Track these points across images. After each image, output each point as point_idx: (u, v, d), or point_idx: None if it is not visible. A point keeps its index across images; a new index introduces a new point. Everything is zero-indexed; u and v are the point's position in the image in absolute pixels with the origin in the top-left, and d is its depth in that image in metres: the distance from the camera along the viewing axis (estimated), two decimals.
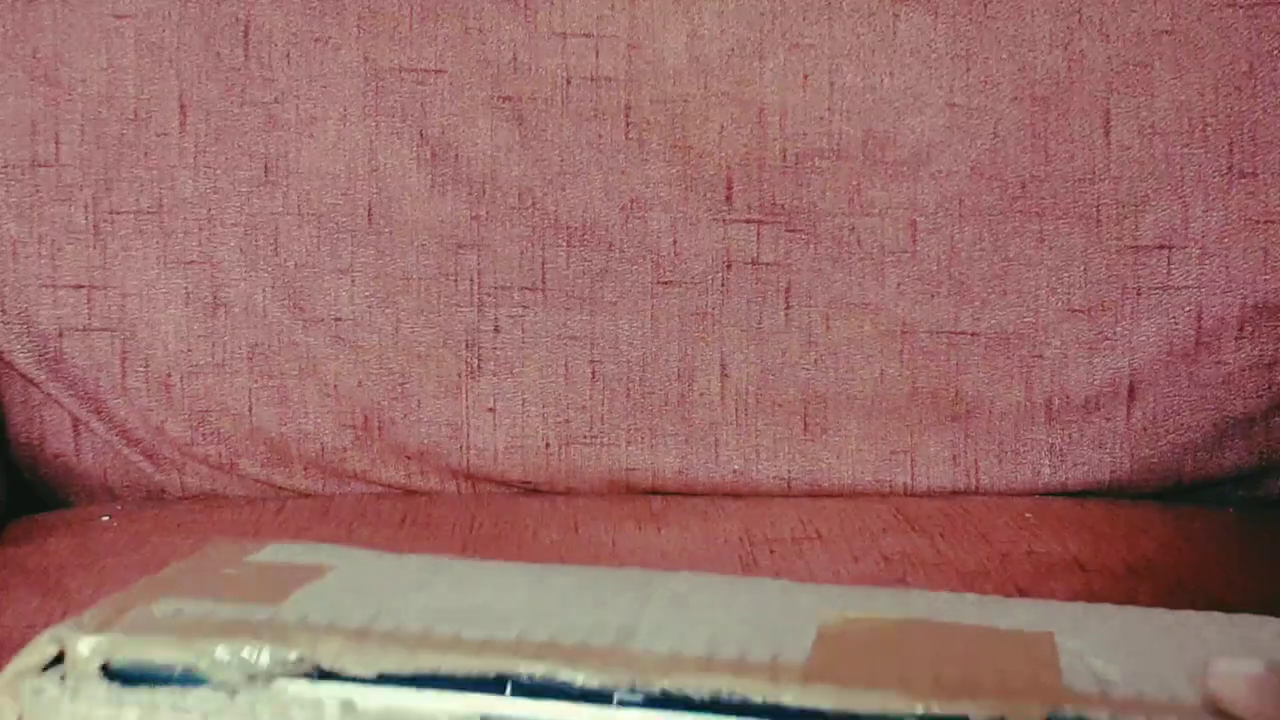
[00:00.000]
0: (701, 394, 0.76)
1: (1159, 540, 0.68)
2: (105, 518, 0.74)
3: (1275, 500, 0.77)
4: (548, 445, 0.76)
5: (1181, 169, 0.74)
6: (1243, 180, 0.74)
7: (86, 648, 0.42)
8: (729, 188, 0.75)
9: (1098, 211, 0.74)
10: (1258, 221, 0.74)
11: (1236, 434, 0.75)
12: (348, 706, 0.41)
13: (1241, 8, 0.73)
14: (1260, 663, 0.38)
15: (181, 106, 0.76)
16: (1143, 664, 0.41)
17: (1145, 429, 0.75)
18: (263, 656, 0.41)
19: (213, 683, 0.41)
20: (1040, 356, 0.75)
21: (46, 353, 0.76)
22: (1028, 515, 0.72)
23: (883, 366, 0.76)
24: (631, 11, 0.75)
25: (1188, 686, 0.40)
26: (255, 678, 0.41)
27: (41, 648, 0.42)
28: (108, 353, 0.77)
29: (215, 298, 0.76)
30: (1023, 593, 0.62)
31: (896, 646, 0.42)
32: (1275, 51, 0.73)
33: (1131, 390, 0.75)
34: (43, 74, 0.75)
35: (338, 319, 0.76)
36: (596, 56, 0.75)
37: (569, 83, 0.75)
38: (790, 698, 0.38)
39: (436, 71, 0.75)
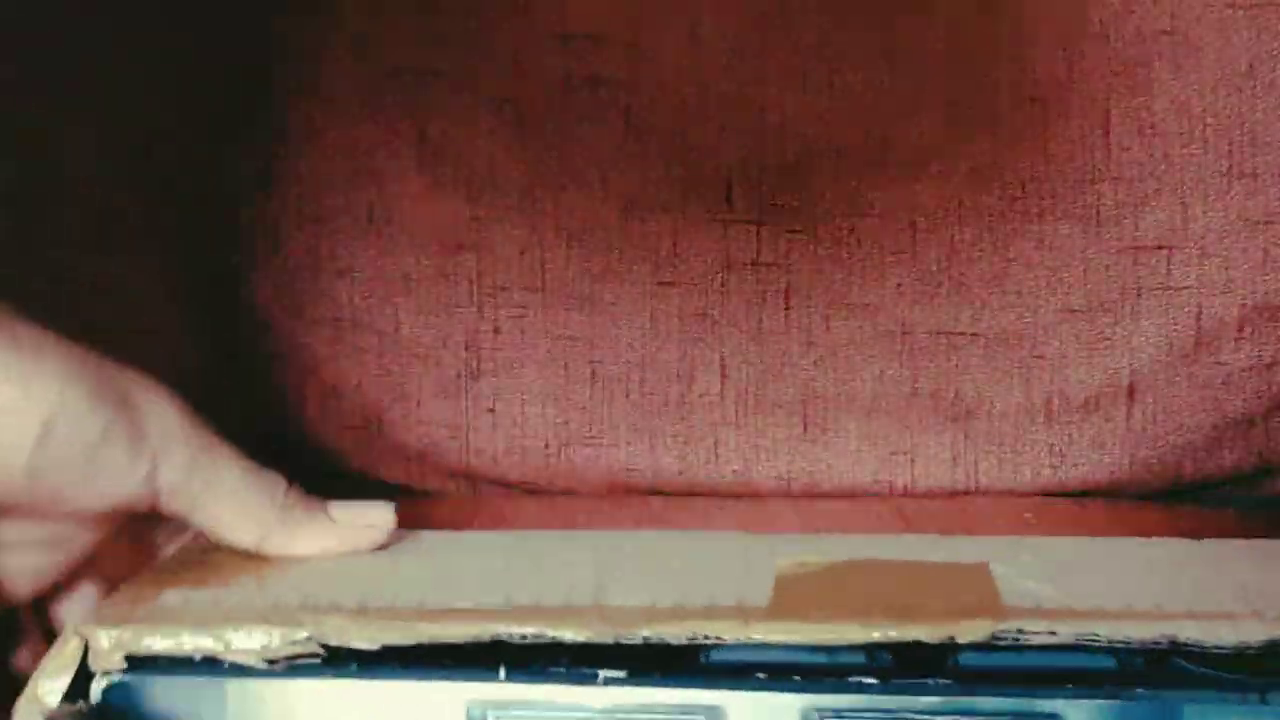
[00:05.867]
0: (701, 395, 0.76)
1: None
2: None
3: (1275, 501, 0.77)
4: (547, 446, 0.77)
5: (1181, 170, 0.74)
6: (1242, 181, 0.74)
7: (107, 640, 0.44)
8: (729, 188, 0.75)
9: (1097, 212, 0.74)
10: (1257, 222, 0.74)
11: (1236, 435, 0.75)
12: None
13: (1241, 9, 0.73)
14: None
15: (183, 108, 0.76)
16: (1071, 582, 0.46)
17: (1144, 429, 0.75)
18: (274, 638, 0.44)
19: (230, 666, 0.44)
20: (1040, 357, 0.75)
21: None
22: (1028, 516, 0.72)
23: (882, 367, 0.76)
24: (632, 12, 0.75)
25: (1119, 598, 0.44)
26: (273, 660, 0.44)
27: (66, 641, 0.45)
28: None
29: None
30: None
31: (847, 584, 0.47)
32: (1275, 52, 0.73)
33: (1131, 391, 0.75)
34: None
35: (337, 320, 0.76)
36: (597, 57, 0.75)
37: (569, 83, 0.75)
38: (759, 634, 0.42)
39: (437, 72, 0.75)
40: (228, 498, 0.51)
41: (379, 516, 0.53)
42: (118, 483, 0.48)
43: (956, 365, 0.76)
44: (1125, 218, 0.74)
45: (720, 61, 0.75)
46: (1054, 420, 0.76)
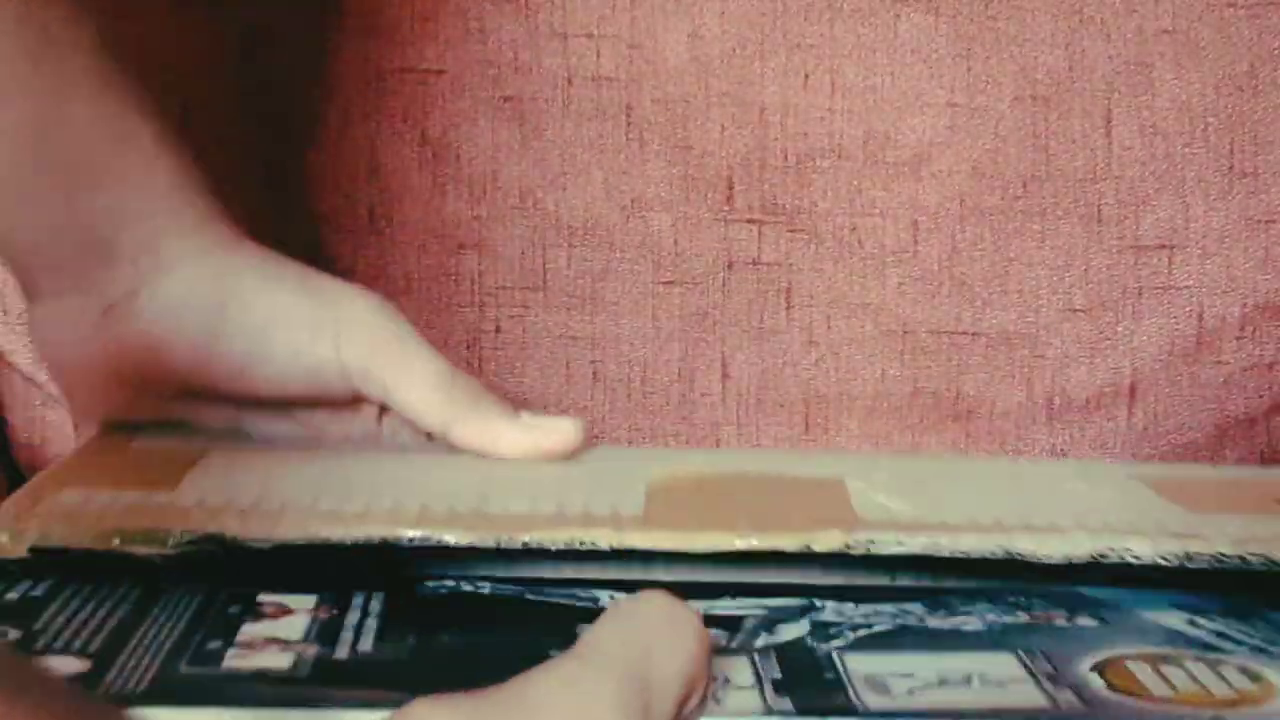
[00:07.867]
0: (703, 394, 0.76)
1: None
2: None
3: None
4: None
5: (1183, 169, 0.74)
6: (1244, 180, 0.74)
7: (7, 537, 0.46)
8: (730, 188, 0.76)
9: (1099, 211, 0.74)
10: (1259, 221, 0.74)
11: (1238, 434, 0.75)
12: None
13: (1243, 8, 0.73)
14: None
15: (185, 109, 0.76)
16: (920, 498, 0.49)
17: (1146, 429, 0.76)
18: (172, 536, 0.45)
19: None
20: (1041, 356, 0.75)
21: None
22: None
23: (884, 366, 0.76)
24: (632, 11, 0.75)
25: (963, 513, 0.47)
26: (170, 556, 0.45)
27: None
28: None
29: None
30: None
31: (714, 496, 0.51)
32: (1276, 52, 0.73)
33: (1132, 390, 0.75)
34: None
35: None
36: (597, 56, 0.75)
37: (570, 83, 0.75)
38: (633, 541, 0.46)
39: (438, 72, 0.75)
40: (418, 383, 0.55)
41: (569, 425, 0.57)
42: (296, 362, 0.53)
43: (958, 364, 0.76)
44: (1127, 217, 0.74)
45: (720, 61, 0.75)
46: (1055, 419, 0.76)
